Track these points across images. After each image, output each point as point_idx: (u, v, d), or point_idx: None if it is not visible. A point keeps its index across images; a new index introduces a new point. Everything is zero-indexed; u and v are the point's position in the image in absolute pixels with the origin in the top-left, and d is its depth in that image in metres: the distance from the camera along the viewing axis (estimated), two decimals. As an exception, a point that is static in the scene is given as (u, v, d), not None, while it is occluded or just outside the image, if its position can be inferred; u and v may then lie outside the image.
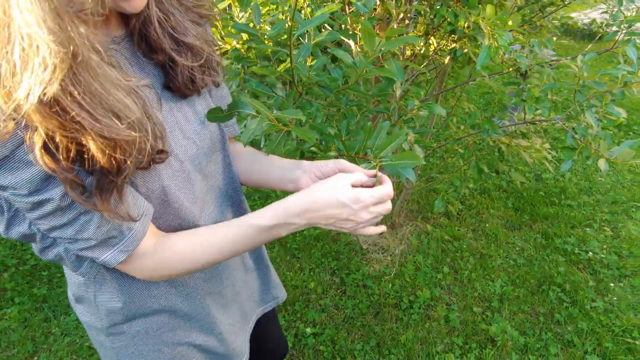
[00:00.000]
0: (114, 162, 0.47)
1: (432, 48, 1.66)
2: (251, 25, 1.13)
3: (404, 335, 1.76)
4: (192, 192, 0.67)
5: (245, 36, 1.15)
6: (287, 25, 0.88)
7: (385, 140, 0.75)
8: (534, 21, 1.54)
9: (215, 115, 0.69)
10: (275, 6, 1.34)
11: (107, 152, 0.45)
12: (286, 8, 1.15)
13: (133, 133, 0.47)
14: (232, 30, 1.12)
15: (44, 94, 0.39)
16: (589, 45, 1.49)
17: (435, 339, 1.75)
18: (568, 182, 2.75)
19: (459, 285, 2.01)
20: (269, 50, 1.13)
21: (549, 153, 1.65)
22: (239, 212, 0.84)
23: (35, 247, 0.58)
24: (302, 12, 1.29)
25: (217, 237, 0.63)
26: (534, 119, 1.52)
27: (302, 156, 1.11)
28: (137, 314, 0.70)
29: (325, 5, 1.01)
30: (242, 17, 1.16)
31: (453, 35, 1.41)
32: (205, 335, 0.79)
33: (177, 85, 0.62)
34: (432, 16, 1.41)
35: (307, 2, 1.33)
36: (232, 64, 1.24)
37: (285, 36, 1.22)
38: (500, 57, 1.56)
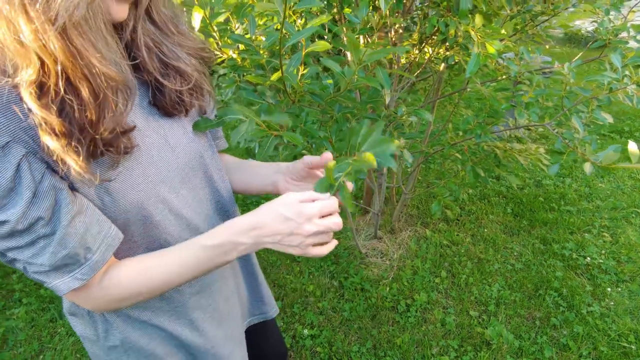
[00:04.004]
0: (95, 105, 0.49)
1: (426, 56, 1.70)
2: (247, 36, 1.18)
3: (400, 338, 1.78)
4: (177, 205, 0.66)
5: (242, 46, 1.20)
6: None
7: (371, 142, 0.77)
8: (525, 30, 1.57)
9: (205, 124, 0.72)
10: (271, 17, 1.40)
11: (92, 85, 0.48)
12: (281, 20, 1.19)
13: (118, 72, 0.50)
14: (229, 40, 1.17)
15: (73, 16, 0.43)
16: (580, 53, 1.52)
17: (430, 341, 1.77)
18: (568, 188, 2.75)
19: (456, 290, 2.03)
20: (264, 59, 1.17)
21: (545, 157, 1.67)
22: None
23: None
24: (296, 23, 1.34)
25: (164, 261, 0.62)
26: (528, 124, 1.55)
27: (294, 159, 1.15)
28: (128, 327, 0.70)
29: (317, 16, 1.06)
30: (239, 28, 1.21)
31: (445, 44, 1.45)
32: (197, 348, 0.78)
33: (162, 105, 0.63)
34: (425, 25, 1.45)
35: (303, 13, 1.38)
36: (229, 72, 1.29)
37: (285, 47, 1.27)
38: (494, 64, 1.60)
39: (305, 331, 1.84)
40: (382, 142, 0.68)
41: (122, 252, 0.63)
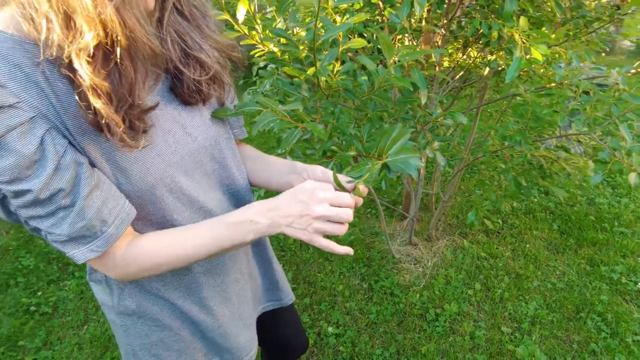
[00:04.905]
0: (129, 63, 0.53)
1: (471, 60, 1.67)
2: (289, 32, 1.22)
3: (425, 346, 1.74)
4: (190, 188, 0.68)
5: (283, 40, 1.25)
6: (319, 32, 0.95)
7: (398, 150, 0.74)
8: (579, 36, 1.50)
9: (224, 113, 0.75)
10: (315, 15, 1.43)
11: (134, 56, 0.53)
12: (316, 13, 1.23)
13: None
14: (270, 34, 1.22)
15: None
16: (637, 62, 1.43)
17: (457, 353, 1.72)
18: (624, 209, 2.57)
19: (490, 303, 1.95)
20: (303, 54, 1.20)
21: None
22: None
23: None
24: (336, 21, 1.36)
25: (185, 236, 0.64)
26: (574, 132, 1.48)
27: (324, 154, 1.18)
28: (140, 297, 0.73)
29: (357, 16, 1.08)
30: (280, 22, 1.26)
31: (488, 47, 1.42)
32: (204, 325, 0.80)
33: (180, 92, 0.66)
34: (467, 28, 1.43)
35: (345, 12, 1.41)
36: (273, 68, 1.35)
37: (320, 42, 1.30)
38: (543, 70, 1.54)
39: (330, 329, 1.85)
40: (407, 151, 0.69)
41: (138, 230, 0.66)
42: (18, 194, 0.51)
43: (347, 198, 0.64)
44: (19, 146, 0.49)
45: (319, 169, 0.73)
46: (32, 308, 2.03)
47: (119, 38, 0.50)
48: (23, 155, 0.49)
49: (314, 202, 0.62)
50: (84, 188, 0.54)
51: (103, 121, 0.53)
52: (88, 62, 0.49)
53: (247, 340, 0.88)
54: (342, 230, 0.64)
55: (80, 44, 0.48)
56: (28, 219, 0.55)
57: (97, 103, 0.51)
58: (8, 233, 2.60)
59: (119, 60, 0.51)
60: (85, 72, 0.49)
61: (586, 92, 1.33)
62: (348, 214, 0.63)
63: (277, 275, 0.99)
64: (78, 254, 0.57)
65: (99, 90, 0.51)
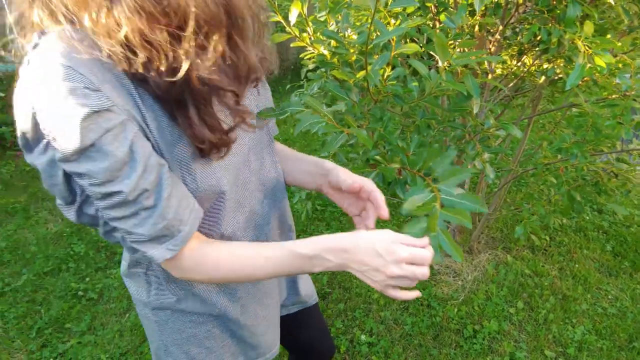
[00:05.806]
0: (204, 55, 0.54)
1: (525, 68, 1.60)
2: (340, 34, 1.21)
3: (462, 363, 1.68)
4: (240, 187, 0.70)
5: (334, 43, 1.24)
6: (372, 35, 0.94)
7: (449, 170, 0.68)
8: (647, 45, 1.40)
9: (268, 113, 0.75)
10: (366, 18, 1.42)
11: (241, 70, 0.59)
12: (372, 15, 1.21)
13: None
14: (321, 36, 1.22)
15: None
16: None
17: (496, 373, 1.64)
18: (688, 233, 2.38)
19: (533, 324, 1.86)
20: (354, 57, 1.19)
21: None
22: (280, 210, 0.85)
23: (99, 230, 0.63)
24: (390, 24, 1.35)
25: (251, 253, 0.65)
26: (636, 148, 1.38)
27: (367, 162, 1.15)
28: (179, 293, 0.75)
29: (411, 19, 1.06)
30: (332, 25, 1.26)
31: (546, 55, 1.35)
32: (237, 324, 0.82)
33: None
34: (524, 33, 1.37)
35: (399, 15, 1.39)
36: (323, 72, 1.34)
37: (371, 46, 1.29)
38: (604, 80, 1.45)
39: (363, 337, 1.82)
40: (471, 199, 0.63)
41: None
42: (107, 195, 0.52)
43: (426, 256, 0.60)
44: (112, 149, 0.50)
45: (356, 178, 0.76)
46: (80, 293, 2.13)
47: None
48: (116, 157, 0.50)
49: (391, 260, 0.59)
50: (165, 189, 0.56)
51: (204, 145, 0.58)
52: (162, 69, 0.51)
53: (271, 339, 0.89)
54: (412, 285, 0.62)
55: (214, 48, 0.53)
56: (110, 220, 0.56)
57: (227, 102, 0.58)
58: (63, 220, 2.75)
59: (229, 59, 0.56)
60: (204, 73, 0.53)
61: (654, 106, 1.24)
62: (424, 275, 0.60)
63: (303, 277, 1.00)
64: (156, 253, 0.58)
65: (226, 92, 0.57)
